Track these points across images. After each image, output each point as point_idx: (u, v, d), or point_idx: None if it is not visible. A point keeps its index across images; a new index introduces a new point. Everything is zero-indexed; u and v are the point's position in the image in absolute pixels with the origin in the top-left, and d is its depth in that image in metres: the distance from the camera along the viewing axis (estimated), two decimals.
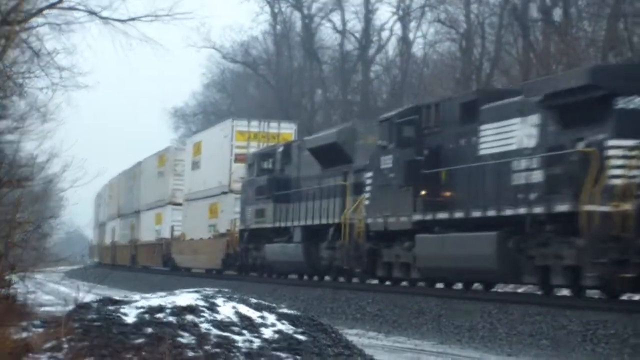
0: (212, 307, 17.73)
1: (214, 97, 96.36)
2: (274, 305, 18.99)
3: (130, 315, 17.27)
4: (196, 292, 18.68)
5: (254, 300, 18.70)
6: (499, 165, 26.73)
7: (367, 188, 32.77)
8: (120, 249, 75.46)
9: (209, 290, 19.03)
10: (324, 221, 36.96)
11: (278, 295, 39.25)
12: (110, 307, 17.79)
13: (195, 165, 57.51)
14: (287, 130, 50.41)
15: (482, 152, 27.50)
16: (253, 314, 17.81)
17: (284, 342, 17.12)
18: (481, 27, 61.69)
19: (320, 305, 36.42)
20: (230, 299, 18.42)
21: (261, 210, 43.22)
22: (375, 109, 61.94)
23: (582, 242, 23.83)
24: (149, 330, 16.70)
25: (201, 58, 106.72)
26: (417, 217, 29.43)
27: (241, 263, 46.31)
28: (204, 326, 17.05)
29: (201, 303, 17.79)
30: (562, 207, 24.59)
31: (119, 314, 17.36)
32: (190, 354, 16.05)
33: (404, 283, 33.65)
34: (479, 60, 60.76)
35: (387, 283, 35.00)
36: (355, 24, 77.57)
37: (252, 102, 62.45)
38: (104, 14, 32.56)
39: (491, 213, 26.35)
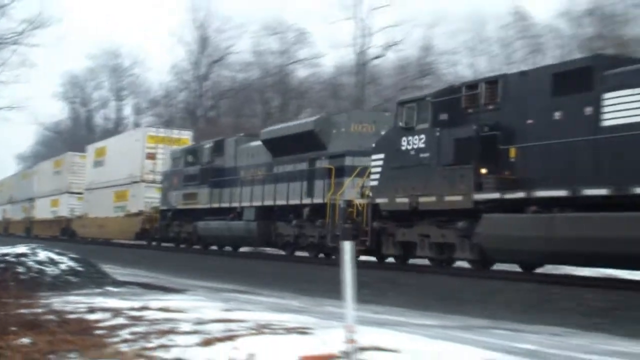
0: (35, 253, 18.82)
1: (39, 149, 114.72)
2: (67, 252, 19.93)
3: None
4: (27, 245, 19.72)
5: (57, 250, 19.79)
6: None
7: (376, 170, 22.16)
8: (14, 223, 72.25)
9: (33, 245, 20.15)
10: (293, 202, 27.18)
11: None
12: None
13: (98, 163, 51.66)
14: (186, 136, 44.87)
15: (610, 123, 15.95)
16: (56, 257, 19.01)
17: (71, 271, 18.58)
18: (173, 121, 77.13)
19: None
20: (44, 249, 19.47)
21: (192, 194, 34.73)
22: None
23: None
24: (1, 265, 17.83)
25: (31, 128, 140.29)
26: (487, 195, 18.14)
27: (161, 236, 38.93)
28: (30, 263, 18.30)
29: (29, 251, 18.87)
30: None
31: None
32: (22, 277, 17.25)
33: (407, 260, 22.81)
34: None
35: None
36: (111, 115, 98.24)
37: (59, 152, 65.33)
38: None
39: None
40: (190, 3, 72.60)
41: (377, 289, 18.13)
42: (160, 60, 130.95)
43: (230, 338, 9.54)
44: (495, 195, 17.92)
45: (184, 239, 36.60)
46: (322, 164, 26.09)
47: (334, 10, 77.41)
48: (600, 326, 12.95)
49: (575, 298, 14.90)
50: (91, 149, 55.21)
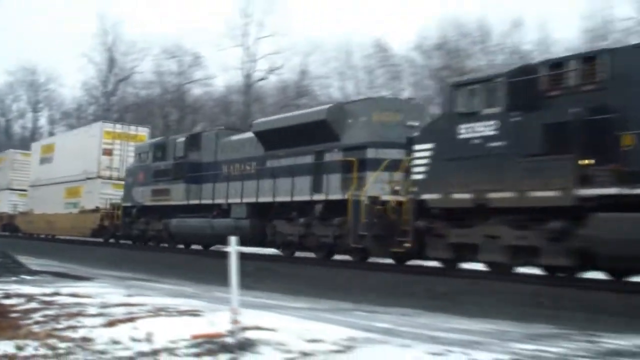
0: None
1: None
2: None
3: None
4: None
5: None
6: None
7: (422, 161, 16.16)
8: None
9: None
10: (299, 198, 20.83)
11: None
12: None
13: (45, 160, 44.03)
14: (143, 132, 38.56)
15: None
16: None
17: None
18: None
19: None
20: None
21: (163, 190, 27.83)
22: None
23: None
24: None
25: None
26: (599, 191, 12.34)
27: (124, 234, 31.55)
28: None
29: None
30: None
31: None
32: None
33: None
34: None
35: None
36: (28, 125, 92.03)
37: None
38: None
39: None
40: (100, 29, 72.00)
41: (258, 277, 17.98)
42: (72, 78, 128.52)
43: (131, 320, 9.44)
44: (612, 191, 12.35)
45: (151, 237, 29.95)
46: (334, 156, 20.07)
47: (225, 39, 77.60)
48: (443, 307, 13.23)
49: (423, 285, 15.15)
50: (36, 146, 48.79)
